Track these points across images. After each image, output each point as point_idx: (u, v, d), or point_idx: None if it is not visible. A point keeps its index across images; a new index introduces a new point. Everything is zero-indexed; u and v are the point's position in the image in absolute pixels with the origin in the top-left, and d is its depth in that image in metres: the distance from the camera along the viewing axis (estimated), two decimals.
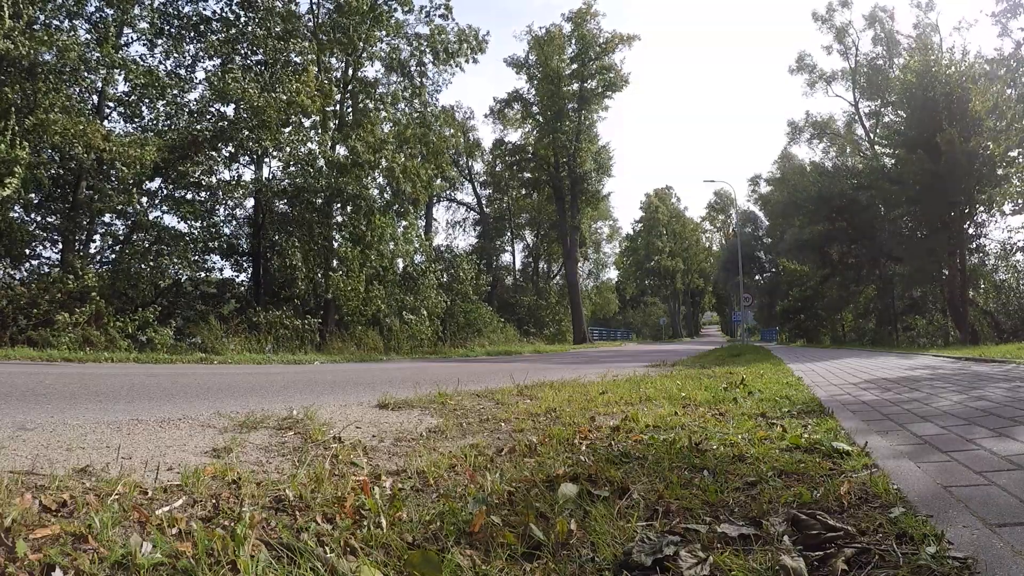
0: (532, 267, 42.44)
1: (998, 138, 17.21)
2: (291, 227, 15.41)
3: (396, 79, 18.57)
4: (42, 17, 11.71)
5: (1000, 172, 17.80)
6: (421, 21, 18.17)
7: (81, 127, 10.83)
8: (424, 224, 27.41)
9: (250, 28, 14.63)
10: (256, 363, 10.05)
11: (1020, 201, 18.11)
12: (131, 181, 12.16)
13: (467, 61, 18.97)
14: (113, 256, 13.17)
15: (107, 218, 13.50)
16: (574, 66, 32.70)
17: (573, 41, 32.76)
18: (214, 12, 14.64)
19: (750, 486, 1.95)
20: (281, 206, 15.82)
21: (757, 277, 43.88)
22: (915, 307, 24.47)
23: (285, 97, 13.61)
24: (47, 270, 12.05)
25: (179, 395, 4.49)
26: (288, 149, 14.90)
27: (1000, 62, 16.94)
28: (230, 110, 14.09)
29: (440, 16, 18.15)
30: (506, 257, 40.80)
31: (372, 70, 17.80)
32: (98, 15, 12.95)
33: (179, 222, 14.03)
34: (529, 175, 35.79)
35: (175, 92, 13.73)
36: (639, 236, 63.28)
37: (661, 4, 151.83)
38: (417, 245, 18.85)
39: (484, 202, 39.66)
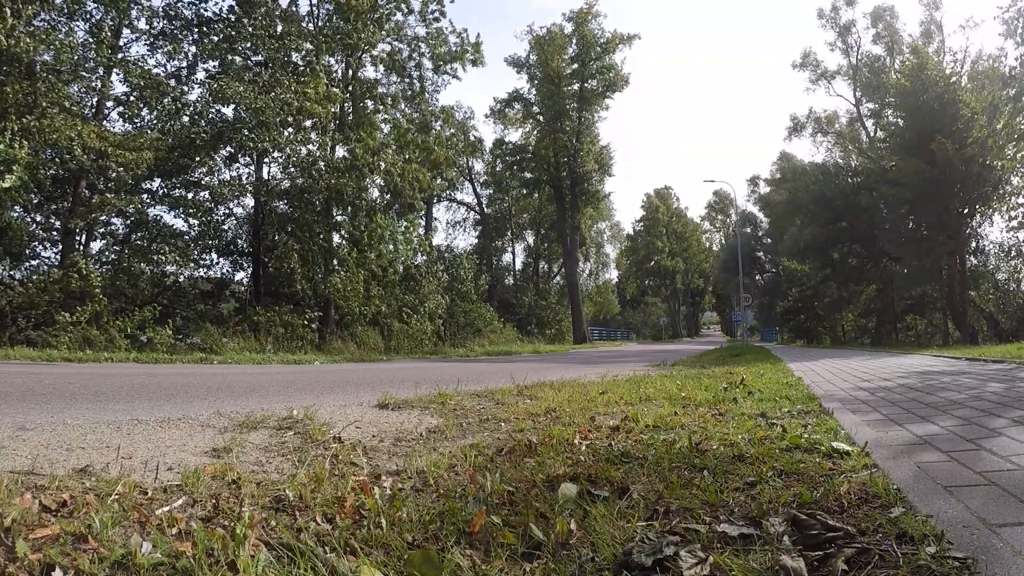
0: (532, 267, 42.42)
1: (994, 136, 17.16)
2: (291, 227, 15.42)
3: (396, 80, 18.61)
4: (40, 15, 11.70)
5: (997, 169, 17.80)
6: (419, 23, 18.22)
7: (76, 130, 10.77)
8: (424, 224, 27.42)
9: (250, 28, 14.61)
10: (256, 363, 10.04)
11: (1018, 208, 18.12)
12: (131, 181, 12.15)
13: (464, 68, 19.03)
14: (113, 256, 13.18)
15: (106, 217, 13.49)
16: (575, 66, 32.67)
17: (574, 41, 32.75)
18: (213, 14, 14.64)
19: (750, 486, 1.94)
20: (281, 206, 15.82)
21: (757, 277, 43.88)
22: (915, 307, 24.49)
23: (296, 103, 13.58)
24: (47, 270, 12.04)
25: (179, 395, 4.49)
26: (288, 150, 14.90)
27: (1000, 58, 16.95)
28: (229, 111, 14.10)
29: (434, 18, 18.20)
30: (506, 257, 40.88)
31: (372, 71, 18.07)
32: (97, 16, 12.93)
33: (179, 221, 14.07)
34: (529, 175, 35.74)
35: (174, 93, 13.72)
36: (639, 236, 63.30)
37: (662, 4, 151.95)
38: (417, 245, 18.86)
39: (484, 202, 39.65)
